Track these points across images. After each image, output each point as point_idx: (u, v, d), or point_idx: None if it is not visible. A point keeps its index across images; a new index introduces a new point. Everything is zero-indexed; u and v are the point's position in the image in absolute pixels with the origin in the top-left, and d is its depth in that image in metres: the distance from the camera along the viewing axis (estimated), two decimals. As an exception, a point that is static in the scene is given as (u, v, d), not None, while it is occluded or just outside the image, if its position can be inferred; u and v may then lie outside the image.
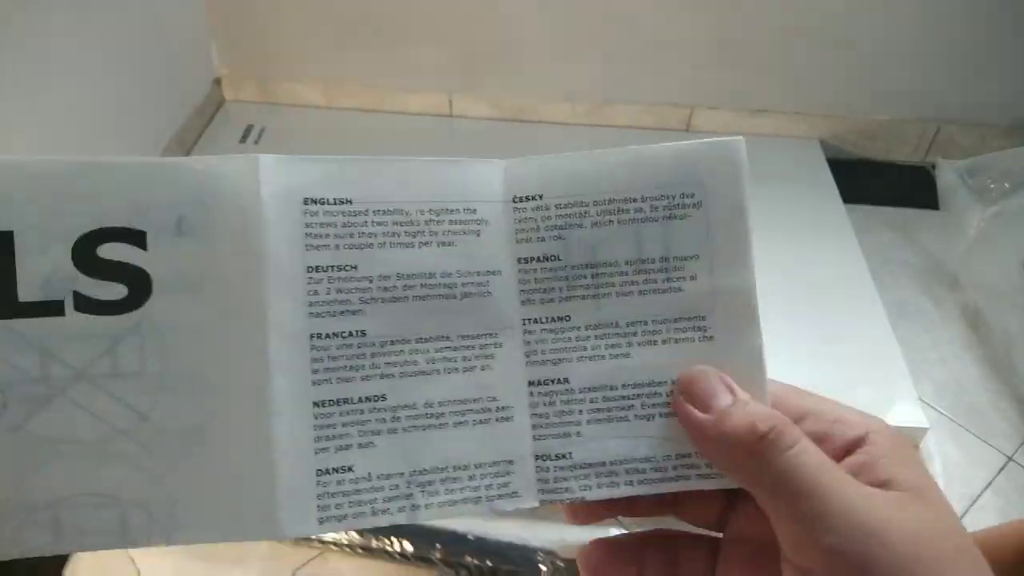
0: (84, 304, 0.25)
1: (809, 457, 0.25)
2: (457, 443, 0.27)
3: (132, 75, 1.06)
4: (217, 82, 1.31)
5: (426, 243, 0.27)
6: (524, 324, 0.28)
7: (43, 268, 0.24)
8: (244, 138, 1.25)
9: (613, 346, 0.28)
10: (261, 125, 1.28)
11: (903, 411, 0.86)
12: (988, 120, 1.26)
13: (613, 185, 0.28)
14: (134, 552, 0.76)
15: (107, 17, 0.99)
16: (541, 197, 0.28)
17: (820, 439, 0.26)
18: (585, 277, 0.28)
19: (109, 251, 0.25)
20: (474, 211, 0.28)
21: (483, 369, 0.27)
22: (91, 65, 0.96)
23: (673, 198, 0.28)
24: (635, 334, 0.28)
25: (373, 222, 0.27)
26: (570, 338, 0.28)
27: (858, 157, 1.31)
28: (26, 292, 0.24)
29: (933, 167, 1.25)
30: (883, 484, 0.24)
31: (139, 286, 0.25)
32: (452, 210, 0.27)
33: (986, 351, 1.00)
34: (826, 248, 1.09)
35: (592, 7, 1.20)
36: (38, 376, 0.24)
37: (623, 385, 0.28)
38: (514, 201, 0.28)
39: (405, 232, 0.27)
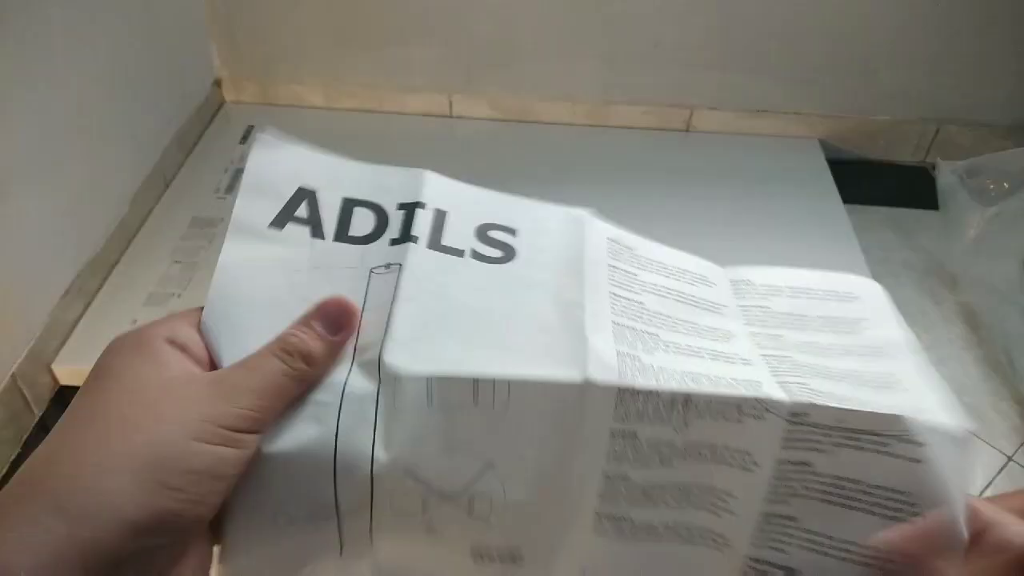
0: (477, 256, 0.34)
1: None
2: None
3: (132, 76, 1.06)
4: (217, 83, 1.31)
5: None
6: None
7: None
8: (244, 139, 1.25)
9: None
10: (261, 126, 1.28)
11: (903, 411, 0.86)
12: (988, 120, 1.26)
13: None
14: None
15: (107, 18, 0.99)
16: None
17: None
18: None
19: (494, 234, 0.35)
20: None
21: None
22: (91, 66, 0.97)
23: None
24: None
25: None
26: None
27: (858, 157, 1.31)
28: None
29: (933, 167, 1.25)
30: None
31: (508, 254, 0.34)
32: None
33: (986, 351, 1.00)
34: (826, 248, 1.09)
35: (592, 7, 1.20)
36: None
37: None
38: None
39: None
